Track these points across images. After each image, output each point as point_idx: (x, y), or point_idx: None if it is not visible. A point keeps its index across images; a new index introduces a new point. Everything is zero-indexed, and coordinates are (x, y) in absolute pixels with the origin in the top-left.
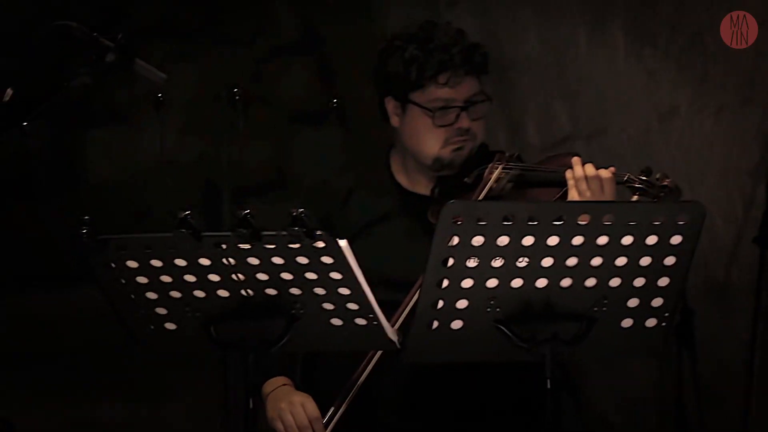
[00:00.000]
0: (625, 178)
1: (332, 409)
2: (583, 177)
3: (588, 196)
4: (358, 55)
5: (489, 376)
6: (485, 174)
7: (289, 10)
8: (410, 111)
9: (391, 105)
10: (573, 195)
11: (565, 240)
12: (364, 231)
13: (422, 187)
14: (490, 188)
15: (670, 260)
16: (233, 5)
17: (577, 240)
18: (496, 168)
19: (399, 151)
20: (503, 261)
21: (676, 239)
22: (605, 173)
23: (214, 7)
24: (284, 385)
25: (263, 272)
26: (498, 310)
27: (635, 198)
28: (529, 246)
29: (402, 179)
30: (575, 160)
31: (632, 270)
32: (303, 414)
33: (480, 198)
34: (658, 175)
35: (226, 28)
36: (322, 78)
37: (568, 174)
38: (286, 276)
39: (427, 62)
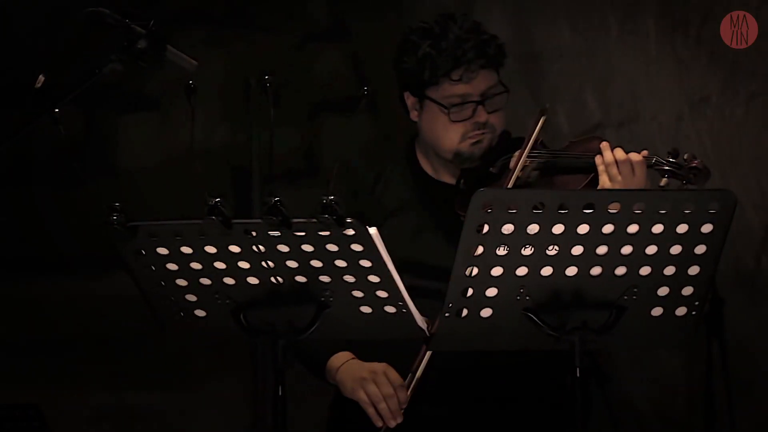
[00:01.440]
0: (653, 161)
1: (409, 375)
2: (613, 162)
3: (619, 180)
4: (387, 43)
5: (517, 364)
6: (511, 163)
7: None
8: (427, 106)
9: (410, 100)
10: (604, 180)
11: (596, 228)
12: (391, 218)
13: (447, 176)
14: (517, 177)
15: (700, 249)
16: None
17: (608, 228)
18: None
19: (422, 142)
20: (533, 249)
21: (706, 228)
22: (636, 157)
23: None
24: (353, 359)
25: (293, 259)
26: (528, 298)
27: (664, 181)
28: (559, 234)
29: (427, 168)
30: (604, 145)
31: (662, 258)
32: (387, 382)
33: (508, 187)
34: (686, 156)
35: (256, 15)
36: (352, 66)
37: (598, 159)
38: (316, 263)
39: (440, 60)
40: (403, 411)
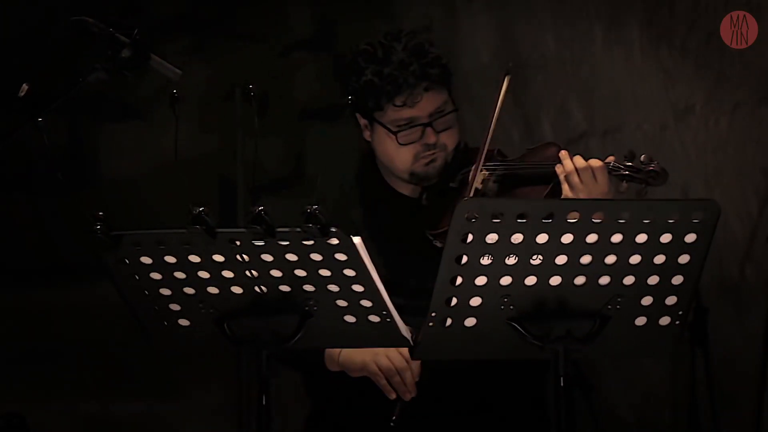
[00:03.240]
0: (611, 166)
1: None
2: (573, 170)
3: (581, 188)
4: None
5: (501, 373)
6: (470, 176)
7: (304, 6)
8: (377, 129)
9: (361, 121)
10: (566, 190)
11: (580, 237)
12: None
13: (408, 191)
14: (476, 190)
15: (684, 258)
16: (248, 1)
17: (592, 237)
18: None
19: (378, 160)
20: (517, 258)
21: (690, 237)
22: (596, 163)
23: (229, 3)
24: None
25: (277, 269)
26: (511, 307)
27: (624, 186)
28: (543, 243)
29: (391, 182)
30: (563, 153)
31: (646, 268)
32: (400, 356)
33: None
34: (642, 158)
35: (241, 24)
36: (337, 74)
37: (559, 169)
38: (300, 273)
39: (382, 86)
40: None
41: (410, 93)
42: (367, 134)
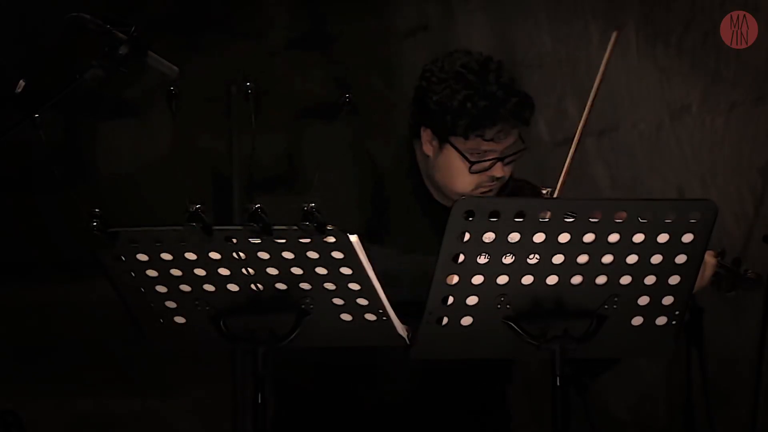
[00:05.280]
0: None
1: None
2: None
3: None
4: (369, 49)
5: (496, 373)
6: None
7: (299, 4)
8: (447, 150)
9: (427, 134)
10: None
11: (577, 237)
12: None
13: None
14: None
15: (681, 258)
16: None
17: (589, 237)
18: None
19: (429, 175)
20: (514, 258)
21: (687, 237)
22: (710, 259)
23: (225, 1)
24: None
25: (273, 267)
26: (508, 307)
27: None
28: (540, 243)
29: (435, 194)
30: None
31: (643, 268)
32: None
33: None
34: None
35: (238, 21)
36: (333, 73)
37: None
38: (297, 271)
39: (478, 119)
40: None
41: (502, 129)
42: (428, 148)
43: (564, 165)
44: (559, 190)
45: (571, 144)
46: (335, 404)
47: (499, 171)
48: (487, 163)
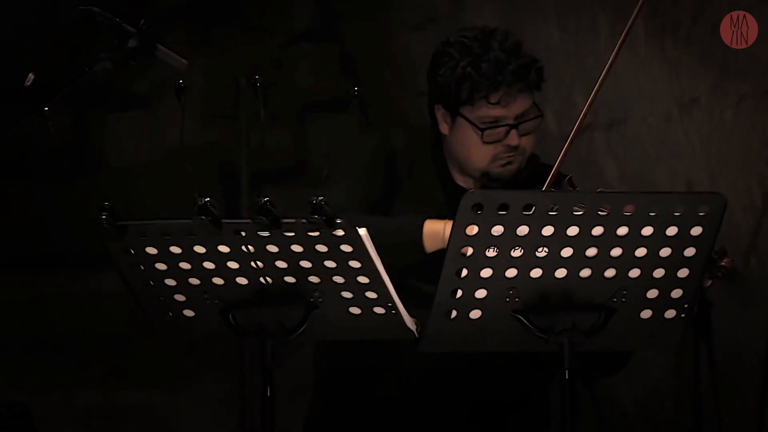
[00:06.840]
0: None
1: None
2: None
3: None
4: (378, 42)
5: (501, 365)
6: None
7: None
8: (459, 123)
9: (440, 113)
10: None
11: (585, 230)
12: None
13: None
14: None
15: (690, 251)
16: None
17: (597, 230)
18: None
19: (450, 155)
20: (522, 251)
21: (696, 230)
22: None
23: None
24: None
25: (282, 260)
26: (517, 300)
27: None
28: (548, 236)
29: (456, 177)
30: None
31: (652, 261)
32: None
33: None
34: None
35: (246, 14)
36: (341, 65)
37: None
38: (305, 264)
39: (479, 81)
40: None
41: (506, 92)
42: (444, 127)
43: (559, 155)
44: (552, 176)
45: (573, 134)
46: (372, 404)
47: (514, 139)
48: (500, 132)
